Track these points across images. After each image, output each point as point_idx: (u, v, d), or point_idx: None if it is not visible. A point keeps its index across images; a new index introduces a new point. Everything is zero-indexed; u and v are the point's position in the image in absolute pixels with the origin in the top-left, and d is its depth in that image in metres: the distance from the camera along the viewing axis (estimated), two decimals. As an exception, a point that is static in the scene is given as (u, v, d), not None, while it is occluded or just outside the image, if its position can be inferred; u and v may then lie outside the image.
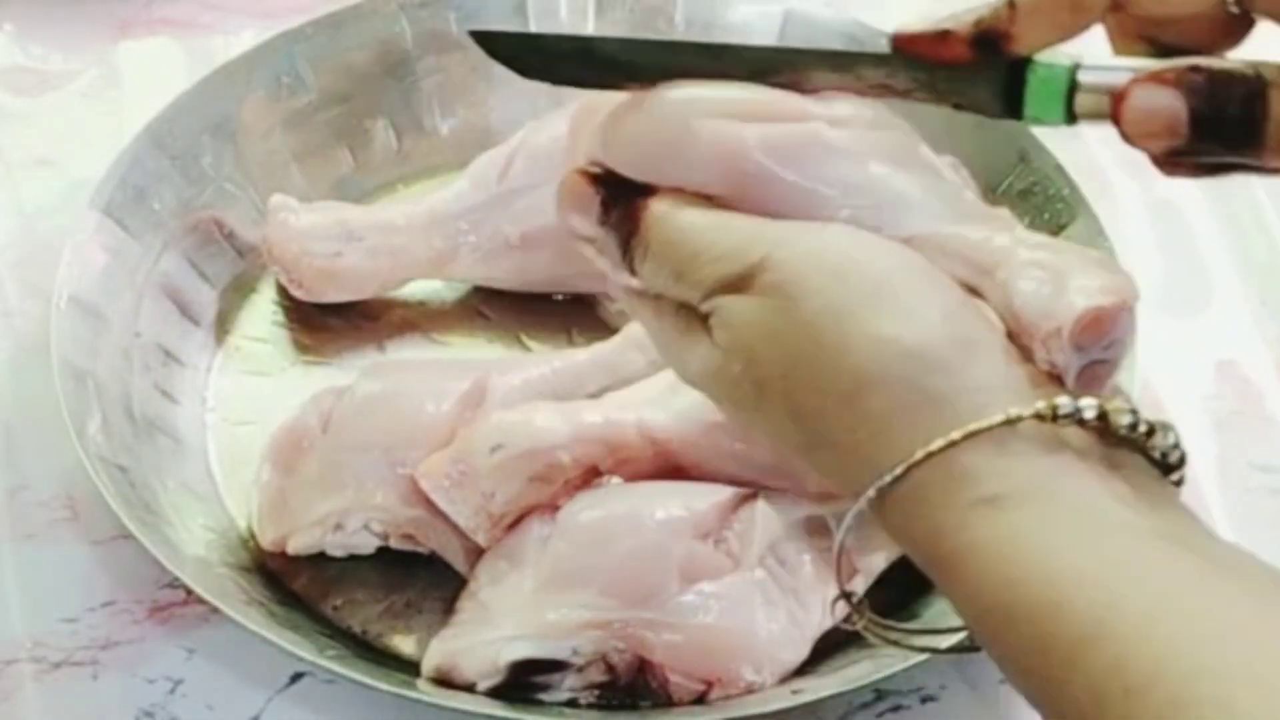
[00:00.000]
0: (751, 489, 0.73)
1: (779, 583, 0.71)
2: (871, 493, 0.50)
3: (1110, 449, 0.49)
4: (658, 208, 0.55)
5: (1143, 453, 0.50)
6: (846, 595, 0.55)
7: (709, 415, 0.73)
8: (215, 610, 0.70)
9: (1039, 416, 0.48)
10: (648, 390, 0.76)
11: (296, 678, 0.73)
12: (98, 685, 0.72)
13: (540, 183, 0.85)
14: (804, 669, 0.71)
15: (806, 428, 0.52)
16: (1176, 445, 0.50)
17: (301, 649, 0.69)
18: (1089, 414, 0.49)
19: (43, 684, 0.72)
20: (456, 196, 0.86)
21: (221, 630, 0.72)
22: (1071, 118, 0.55)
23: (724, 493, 0.72)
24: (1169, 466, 0.50)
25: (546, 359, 0.80)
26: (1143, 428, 0.49)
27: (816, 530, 0.73)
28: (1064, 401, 0.49)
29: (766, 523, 0.72)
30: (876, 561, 0.74)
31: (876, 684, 0.70)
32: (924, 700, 0.73)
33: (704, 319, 0.54)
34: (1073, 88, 0.54)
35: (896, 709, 0.73)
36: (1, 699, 0.72)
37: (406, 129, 0.92)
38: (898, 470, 0.49)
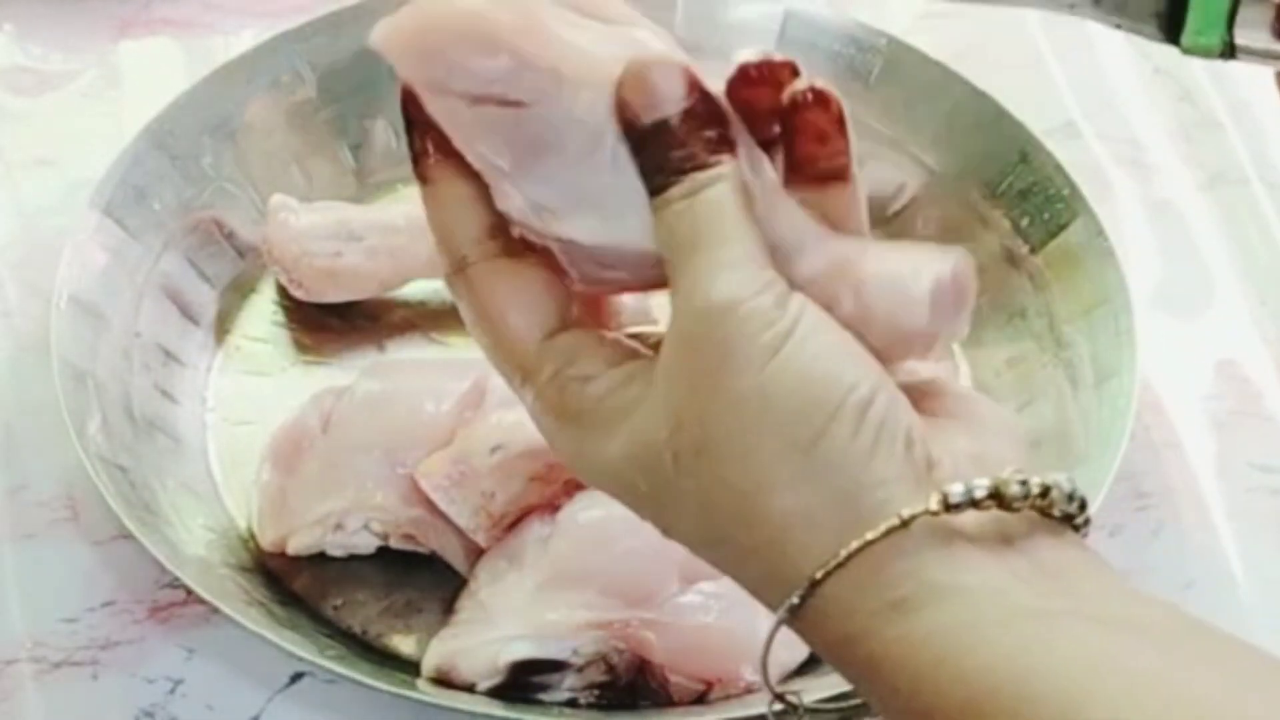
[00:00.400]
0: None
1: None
2: (783, 613, 0.48)
3: (1006, 519, 0.48)
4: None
5: (1041, 512, 0.48)
6: (779, 696, 0.54)
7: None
8: (215, 610, 0.70)
9: (931, 513, 0.47)
10: (648, 390, 0.75)
11: (296, 678, 0.73)
12: (98, 685, 0.72)
13: (540, 183, 0.85)
14: (804, 669, 0.71)
15: (710, 519, 0.49)
16: (1072, 495, 0.49)
17: (301, 649, 0.69)
18: (980, 493, 0.47)
19: (43, 684, 0.72)
20: (456, 196, 0.86)
21: (221, 630, 0.72)
22: (1230, 49, 0.53)
23: (724, 493, 0.72)
24: (1071, 516, 0.49)
25: (546, 359, 0.80)
26: (1035, 490, 0.48)
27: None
28: (956, 490, 0.47)
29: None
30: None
31: (876, 684, 0.70)
32: (924, 700, 0.73)
33: None
34: (1236, 4, 0.53)
35: (896, 709, 0.72)
36: (1, 699, 0.72)
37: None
38: (797, 594, 0.48)
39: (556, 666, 0.70)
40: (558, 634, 0.70)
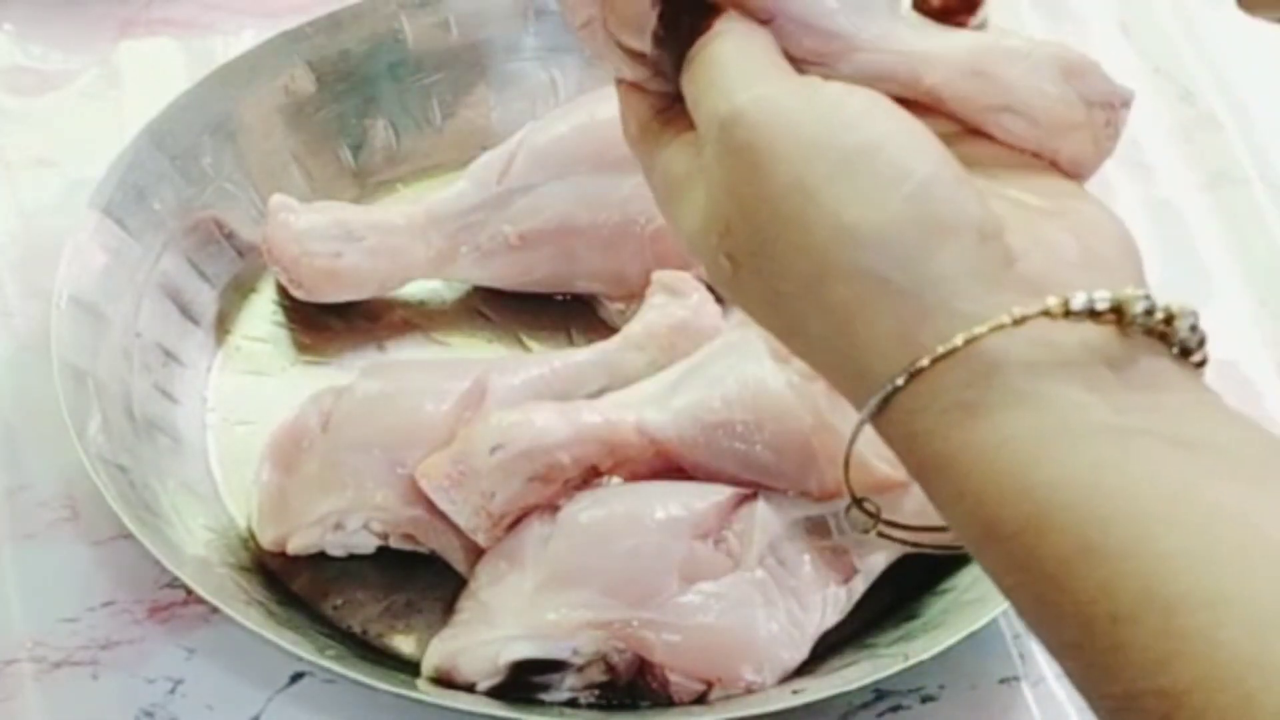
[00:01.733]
0: (751, 489, 0.73)
1: (779, 583, 0.71)
2: (866, 414, 0.47)
3: (1111, 337, 0.46)
4: (717, 26, 0.51)
5: (1160, 337, 0.46)
6: (859, 502, 0.53)
7: (709, 415, 0.73)
8: (215, 610, 0.70)
9: (1048, 314, 0.45)
10: (648, 390, 0.76)
11: (296, 678, 0.73)
12: (98, 685, 0.72)
13: (540, 183, 0.85)
14: (804, 669, 0.71)
15: (779, 313, 0.49)
16: (1195, 327, 0.47)
17: (301, 649, 0.69)
18: (1102, 305, 0.45)
19: (43, 684, 0.72)
20: (456, 196, 0.86)
21: (221, 630, 0.72)
22: None
23: (724, 493, 0.72)
24: (1188, 350, 0.47)
25: (546, 359, 0.80)
26: (1160, 315, 0.46)
27: (816, 530, 0.73)
28: (1078, 299, 0.45)
29: (766, 523, 0.72)
30: (877, 561, 0.74)
31: (876, 684, 0.70)
32: (924, 700, 0.73)
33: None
34: None
35: (896, 709, 0.73)
36: (1, 699, 0.72)
37: (406, 129, 0.92)
38: (890, 385, 0.46)
39: (556, 666, 0.70)
40: (558, 634, 0.70)
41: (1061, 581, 0.43)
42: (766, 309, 0.50)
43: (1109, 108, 0.52)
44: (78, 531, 0.77)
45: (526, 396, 0.76)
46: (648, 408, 0.74)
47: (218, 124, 0.88)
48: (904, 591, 0.75)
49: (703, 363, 0.76)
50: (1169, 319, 0.46)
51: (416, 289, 0.87)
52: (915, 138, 0.48)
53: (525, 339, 0.86)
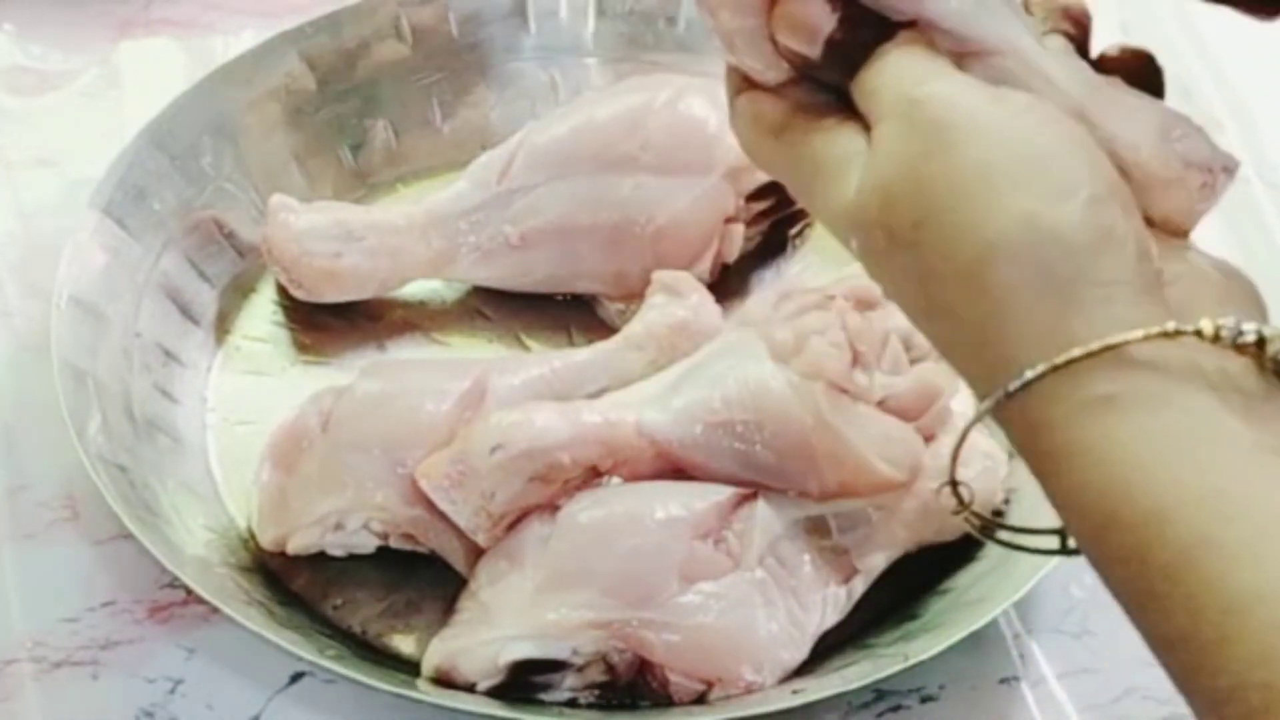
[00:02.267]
0: (751, 489, 0.73)
1: (779, 583, 0.71)
2: (999, 395, 0.48)
3: (1248, 370, 0.48)
4: (903, 34, 0.54)
5: (1258, 362, 0.49)
6: (954, 485, 0.53)
7: (709, 415, 0.73)
8: (215, 610, 0.70)
9: (1199, 334, 0.47)
10: (648, 390, 0.76)
11: (296, 678, 0.73)
12: (98, 685, 0.72)
13: (540, 183, 0.85)
14: (804, 669, 0.71)
15: (927, 291, 0.50)
16: None
17: (301, 649, 0.69)
18: (1249, 337, 0.48)
19: (43, 684, 0.72)
20: (456, 196, 0.86)
21: (221, 630, 0.72)
22: None
23: (724, 493, 0.72)
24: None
25: (546, 359, 0.80)
26: (1271, 340, 0.49)
27: (816, 530, 0.73)
28: (1229, 323, 0.48)
29: (766, 523, 0.72)
30: (876, 561, 0.74)
31: (876, 684, 0.70)
32: (924, 700, 0.73)
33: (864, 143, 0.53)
34: None
35: (896, 709, 0.73)
36: (1, 699, 0.72)
37: (406, 129, 0.92)
38: (1036, 370, 0.48)
39: (556, 666, 0.70)
40: (558, 634, 0.70)
41: (1176, 572, 0.45)
42: (914, 286, 0.51)
43: (1207, 171, 0.54)
44: (78, 531, 0.77)
45: (526, 396, 0.76)
46: (648, 408, 0.74)
47: (218, 124, 0.88)
48: (904, 591, 0.75)
49: (703, 363, 0.76)
50: (1261, 342, 0.49)
51: (416, 289, 0.87)
52: (1095, 154, 0.51)
53: (525, 339, 0.86)
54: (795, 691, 0.70)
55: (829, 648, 0.73)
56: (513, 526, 0.73)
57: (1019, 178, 0.49)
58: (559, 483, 0.73)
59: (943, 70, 0.52)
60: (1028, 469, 0.50)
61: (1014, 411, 0.49)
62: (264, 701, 0.72)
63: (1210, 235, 0.96)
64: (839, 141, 0.53)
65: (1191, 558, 0.45)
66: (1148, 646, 0.46)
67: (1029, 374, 0.48)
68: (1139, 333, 0.47)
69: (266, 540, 0.76)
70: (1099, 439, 0.47)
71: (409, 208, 0.87)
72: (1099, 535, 0.47)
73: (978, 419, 0.50)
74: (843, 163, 0.53)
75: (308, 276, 0.85)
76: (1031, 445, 0.49)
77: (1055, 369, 0.48)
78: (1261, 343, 0.48)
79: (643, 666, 0.70)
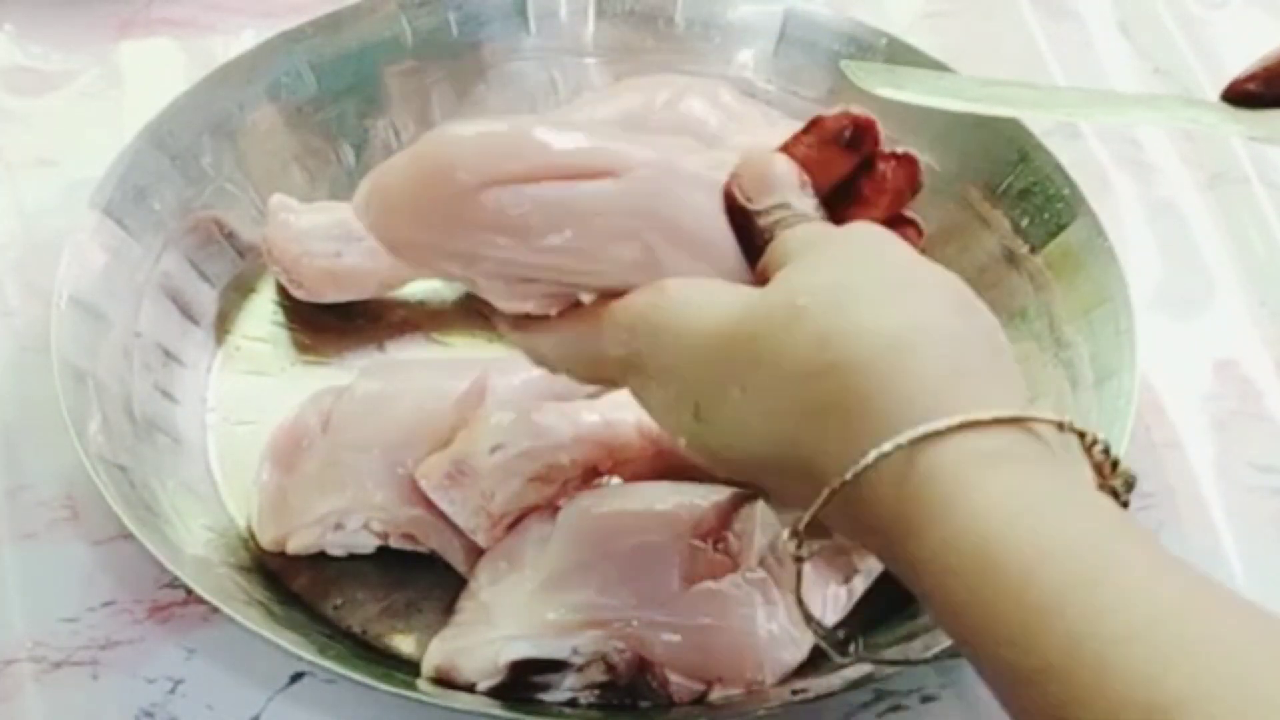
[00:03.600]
0: (751, 489, 0.73)
1: (779, 583, 0.71)
2: (871, 457, 0.52)
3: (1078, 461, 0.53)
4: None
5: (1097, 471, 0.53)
6: (808, 619, 0.58)
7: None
8: (215, 610, 0.70)
9: (1060, 427, 0.52)
10: (648, 390, 0.75)
11: (296, 678, 0.73)
12: (98, 685, 0.72)
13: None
14: (804, 669, 0.71)
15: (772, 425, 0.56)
16: (1131, 483, 0.53)
17: (301, 649, 0.69)
18: (1100, 450, 0.53)
19: (43, 684, 0.72)
20: (456, 196, 0.86)
21: (221, 630, 0.72)
22: None
23: (724, 493, 0.72)
24: (1116, 493, 0.53)
25: (547, 359, 0.80)
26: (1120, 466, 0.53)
27: (816, 530, 0.73)
28: (1099, 437, 0.52)
29: (766, 523, 0.72)
30: (877, 561, 0.74)
31: (876, 684, 0.70)
32: (924, 700, 0.73)
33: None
34: None
35: (896, 709, 0.73)
36: (1, 699, 0.72)
37: (406, 129, 0.92)
38: (918, 430, 0.51)
39: (556, 666, 0.70)
40: (558, 634, 0.70)
41: (1058, 608, 0.47)
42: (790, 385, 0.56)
43: None
44: (78, 531, 0.77)
45: (526, 397, 0.76)
46: (648, 408, 0.74)
47: (218, 124, 0.88)
48: (904, 591, 0.75)
49: (703, 363, 0.76)
50: (1115, 464, 0.53)
51: (416, 289, 0.87)
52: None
53: (525, 339, 0.86)
54: (795, 691, 0.70)
55: (829, 648, 0.73)
56: (513, 526, 0.73)
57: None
58: (559, 483, 0.73)
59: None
60: (871, 547, 0.54)
61: (869, 494, 0.53)
62: (264, 701, 0.72)
63: (1211, 235, 0.96)
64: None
65: (1070, 599, 0.47)
66: (998, 684, 0.49)
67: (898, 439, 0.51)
68: (1008, 412, 0.51)
69: (266, 540, 0.76)
70: (976, 492, 0.50)
71: (409, 208, 0.86)
72: (977, 580, 0.49)
73: (829, 498, 0.55)
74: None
75: (308, 276, 0.85)
76: (895, 510, 0.52)
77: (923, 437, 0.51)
78: (1106, 454, 0.53)
79: (643, 666, 0.70)
